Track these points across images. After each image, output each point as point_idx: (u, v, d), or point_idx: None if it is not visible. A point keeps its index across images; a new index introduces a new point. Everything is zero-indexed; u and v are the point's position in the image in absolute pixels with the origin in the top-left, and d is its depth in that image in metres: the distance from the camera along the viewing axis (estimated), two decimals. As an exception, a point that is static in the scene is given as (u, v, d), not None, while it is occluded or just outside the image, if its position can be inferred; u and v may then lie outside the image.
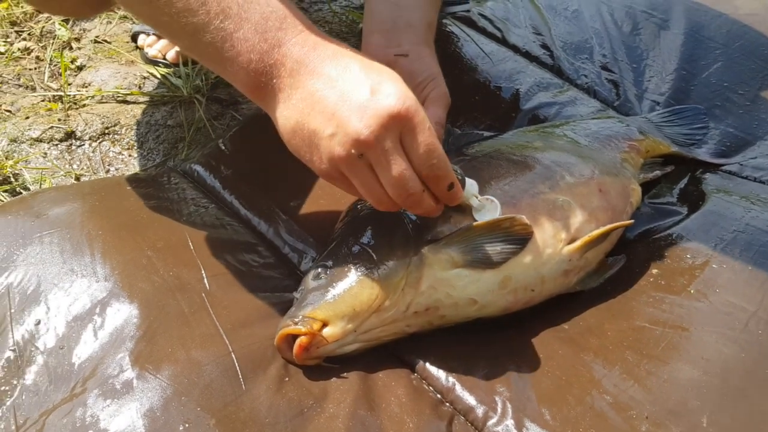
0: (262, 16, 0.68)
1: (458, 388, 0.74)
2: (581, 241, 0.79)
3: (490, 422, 0.71)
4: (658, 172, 0.97)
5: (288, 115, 0.69)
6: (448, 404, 0.73)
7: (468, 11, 1.26)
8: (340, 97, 0.66)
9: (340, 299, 0.73)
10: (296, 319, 0.72)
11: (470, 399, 0.73)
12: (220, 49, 0.69)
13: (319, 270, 0.76)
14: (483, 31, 1.21)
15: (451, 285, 0.75)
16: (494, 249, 0.75)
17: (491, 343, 0.78)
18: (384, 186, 0.69)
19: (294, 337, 0.72)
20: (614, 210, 0.84)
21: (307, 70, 0.68)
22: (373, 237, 0.77)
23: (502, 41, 1.20)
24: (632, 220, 0.87)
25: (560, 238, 0.78)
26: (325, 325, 0.72)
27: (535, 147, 0.89)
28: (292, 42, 0.68)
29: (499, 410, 0.71)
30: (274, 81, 0.69)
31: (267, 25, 0.68)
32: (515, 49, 1.19)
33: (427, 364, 0.76)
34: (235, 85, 0.72)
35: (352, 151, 0.66)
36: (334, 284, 0.74)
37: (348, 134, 0.66)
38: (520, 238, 0.76)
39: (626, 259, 0.84)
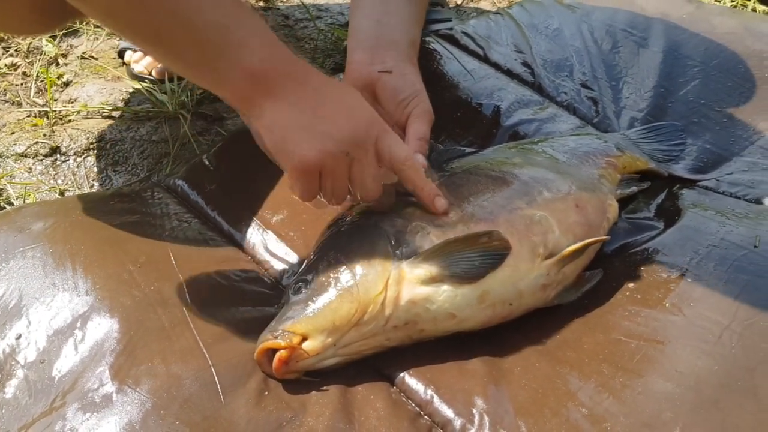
0: (264, 27, 0.76)
1: (436, 400, 0.74)
2: (559, 256, 0.80)
3: (467, 435, 0.71)
4: (635, 188, 0.99)
5: (285, 113, 0.75)
6: (426, 417, 0.74)
7: (451, 29, 1.28)
8: (336, 100, 0.77)
9: (320, 313, 0.74)
10: (276, 333, 0.73)
11: (448, 412, 0.73)
12: (216, 58, 0.74)
13: (300, 284, 0.77)
14: (465, 49, 1.23)
15: (430, 300, 0.76)
16: (472, 264, 0.76)
17: (470, 356, 0.78)
18: (357, 181, 0.78)
19: (274, 351, 0.73)
20: (591, 225, 0.85)
21: (303, 75, 0.77)
22: (353, 251, 0.78)
23: (484, 59, 1.22)
24: (608, 236, 0.88)
25: (538, 253, 0.79)
26: (304, 339, 0.73)
27: (513, 163, 0.90)
28: (291, 56, 0.77)
29: (477, 423, 0.72)
30: (273, 82, 0.75)
31: (269, 35, 0.76)
32: (497, 66, 1.20)
33: (406, 377, 0.77)
34: (222, 90, 0.78)
35: (343, 148, 0.75)
36: (314, 298, 0.75)
37: (344, 133, 0.76)
38: (498, 253, 0.77)
39: (603, 273, 0.85)
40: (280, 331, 0.73)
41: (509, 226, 0.80)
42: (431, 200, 0.81)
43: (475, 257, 0.76)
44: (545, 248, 0.80)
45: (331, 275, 0.76)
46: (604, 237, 0.86)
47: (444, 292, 0.76)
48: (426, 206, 0.81)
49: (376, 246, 0.78)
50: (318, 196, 0.80)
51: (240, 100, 0.77)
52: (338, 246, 0.80)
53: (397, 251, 0.77)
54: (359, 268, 0.76)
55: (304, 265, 0.82)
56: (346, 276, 0.76)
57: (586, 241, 0.82)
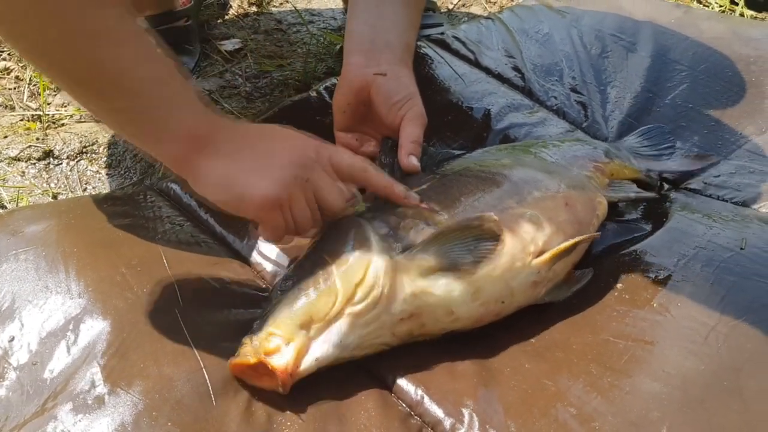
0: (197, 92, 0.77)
1: (426, 400, 0.75)
2: (549, 254, 0.81)
3: (457, 434, 0.72)
4: (632, 194, 0.98)
5: (229, 165, 0.76)
6: (416, 417, 0.75)
7: (442, 34, 1.29)
8: (279, 143, 0.79)
9: (298, 310, 0.74)
10: (255, 338, 0.73)
11: (438, 411, 0.74)
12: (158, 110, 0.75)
13: (282, 284, 0.78)
14: (456, 54, 1.24)
15: (429, 292, 0.77)
16: (467, 248, 0.77)
17: (460, 357, 0.79)
18: (322, 200, 0.80)
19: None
20: (581, 223, 0.87)
21: (240, 132, 0.78)
22: (334, 247, 0.78)
23: (475, 63, 1.23)
24: (598, 233, 0.89)
25: (529, 251, 0.80)
26: (289, 341, 0.72)
27: (503, 164, 0.91)
28: (224, 118, 0.80)
29: (466, 423, 0.73)
30: (212, 142, 0.75)
31: (203, 99, 0.77)
32: (487, 71, 1.21)
33: (397, 378, 0.77)
34: (156, 150, 0.78)
35: (302, 174, 0.77)
36: (293, 296, 0.75)
37: (297, 160, 0.78)
38: (492, 236, 0.78)
39: (593, 272, 0.86)
40: (260, 336, 0.72)
41: (501, 225, 0.80)
42: (402, 195, 0.83)
43: (470, 241, 0.78)
44: (536, 246, 0.81)
45: (311, 272, 0.76)
46: (594, 234, 0.87)
47: (441, 285, 0.77)
48: (400, 203, 0.83)
49: (356, 237, 0.79)
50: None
51: (174, 161, 0.77)
52: (321, 246, 0.81)
53: (393, 244, 0.78)
54: (337, 260, 0.76)
55: (291, 267, 0.83)
56: (324, 270, 0.76)
57: (577, 238, 0.83)
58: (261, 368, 0.71)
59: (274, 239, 0.81)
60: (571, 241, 0.82)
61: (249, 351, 0.72)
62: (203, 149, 0.75)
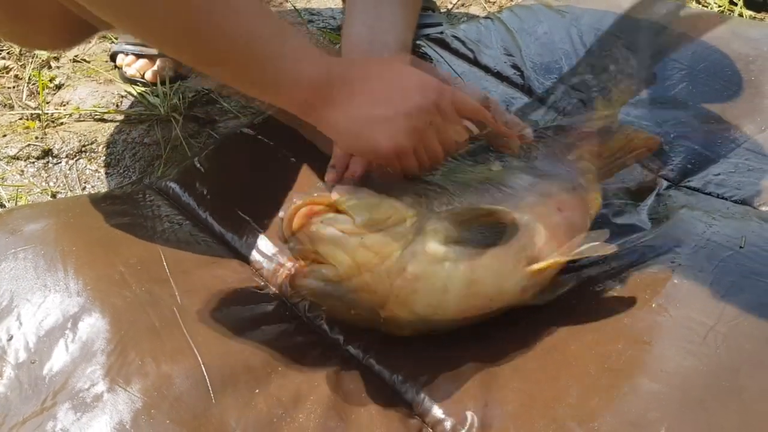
0: (312, 45, 0.79)
1: (427, 400, 0.75)
2: (545, 264, 0.80)
3: (457, 434, 0.72)
4: (627, 161, 0.98)
5: (351, 116, 0.77)
6: (417, 417, 0.75)
7: (441, 33, 1.29)
8: (397, 86, 0.79)
9: (365, 200, 0.77)
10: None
11: (438, 412, 0.74)
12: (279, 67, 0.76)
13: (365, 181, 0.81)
14: (456, 53, 1.24)
15: (436, 260, 0.77)
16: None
17: (461, 357, 0.79)
18: (447, 142, 0.82)
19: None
20: (573, 226, 0.86)
21: (358, 76, 0.79)
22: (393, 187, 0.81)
23: (474, 62, 1.23)
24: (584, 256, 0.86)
25: (524, 256, 0.80)
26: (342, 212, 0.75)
27: (492, 170, 0.90)
28: (340, 60, 0.83)
29: (467, 423, 0.73)
30: (332, 92, 0.77)
31: (319, 50, 0.78)
32: (487, 69, 1.21)
33: (398, 377, 0.77)
34: (280, 100, 0.80)
35: (425, 119, 0.79)
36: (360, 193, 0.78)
37: (419, 106, 0.78)
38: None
39: (577, 278, 0.85)
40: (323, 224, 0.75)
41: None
42: (519, 132, 0.88)
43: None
44: (531, 252, 0.80)
45: (375, 190, 0.79)
46: (603, 251, 0.84)
47: (450, 259, 0.77)
48: (513, 143, 0.88)
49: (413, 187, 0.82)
50: None
51: (301, 109, 0.79)
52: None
53: (429, 201, 0.81)
54: (398, 195, 0.79)
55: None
56: (384, 194, 0.79)
57: (575, 254, 0.82)
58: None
59: (409, 175, 0.83)
60: (566, 258, 0.81)
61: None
62: (326, 98, 0.76)
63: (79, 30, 0.98)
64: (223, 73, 0.80)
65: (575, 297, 0.84)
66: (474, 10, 1.62)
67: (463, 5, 1.63)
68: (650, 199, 1.01)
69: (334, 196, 0.76)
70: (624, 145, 0.99)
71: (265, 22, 0.76)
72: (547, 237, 0.82)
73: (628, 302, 0.83)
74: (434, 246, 0.77)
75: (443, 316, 0.78)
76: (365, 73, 0.80)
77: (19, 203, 1.12)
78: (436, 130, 0.81)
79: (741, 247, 0.89)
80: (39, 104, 1.30)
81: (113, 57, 1.37)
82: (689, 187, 1.04)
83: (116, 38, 1.38)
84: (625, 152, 0.99)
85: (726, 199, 1.02)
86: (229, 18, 0.72)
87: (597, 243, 0.82)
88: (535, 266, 0.80)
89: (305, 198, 0.76)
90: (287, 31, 0.77)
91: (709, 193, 1.03)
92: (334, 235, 0.74)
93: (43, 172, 1.19)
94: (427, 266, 0.76)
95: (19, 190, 1.14)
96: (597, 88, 1.03)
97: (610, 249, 0.82)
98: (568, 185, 0.90)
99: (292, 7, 1.55)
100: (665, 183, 1.05)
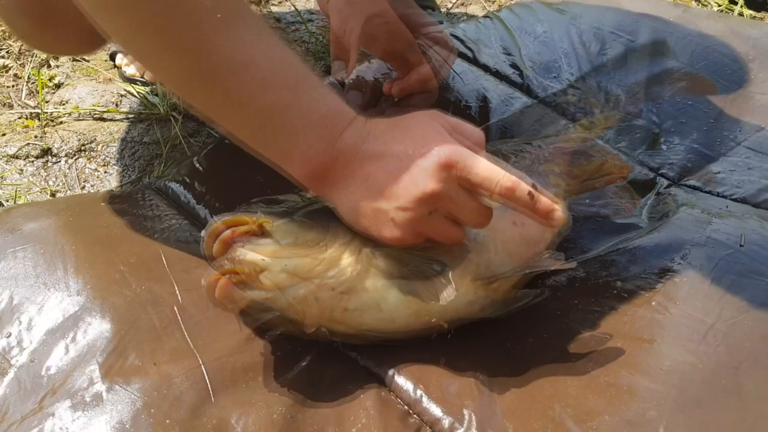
0: (320, 113, 0.71)
1: (425, 400, 0.75)
2: (490, 281, 0.78)
3: (455, 433, 0.72)
4: (598, 184, 0.94)
5: (350, 201, 0.72)
6: (415, 416, 0.75)
7: (441, 32, 1.28)
8: (393, 173, 0.70)
9: (287, 246, 0.72)
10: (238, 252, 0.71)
11: (437, 411, 0.74)
12: (279, 140, 0.71)
13: (286, 216, 0.76)
14: (455, 51, 1.24)
15: (370, 280, 0.74)
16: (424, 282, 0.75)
17: (458, 356, 0.79)
18: (464, 222, 0.74)
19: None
20: (528, 242, 0.83)
21: (358, 157, 0.71)
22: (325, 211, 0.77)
23: (473, 61, 1.22)
24: (544, 267, 0.81)
25: (469, 271, 0.78)
26: (263, 270, 0.71)
27: None
28: (346, 134, 0.71)
29: (465, 422, 0.73)
30: (331, 174, 0.71)
31: (325, 121, 0.71)
32: (486, 68, 1.21)
33: (396, 377, 0.77)
34: (288, 170, 0.73)
35: (423, 211, 0.71)
36: (285, 235, 0.73)
37: (414, 199, 0.70)
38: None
39: (537, 294, 0.82)
40: (244, 249, 0.71)
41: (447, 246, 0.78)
42: (546, 214, 0.73)
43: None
44: (478, 267, 0.79)
45: (309, 215, 0.75)
46: (536, 269, 0.81)
47: (381, 282, 0.75)
48: (534, 218, 0.75)
49: None
50: None
51: (302, 181, 0.74)
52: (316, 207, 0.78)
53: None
54: (334, 221, 0.75)
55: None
56: (320, 219, 0.75)
57: (524, 270, 0.80)
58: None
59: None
60: (517, 273, 0.79)
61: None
62: (324, 178, 0.72)
63: (99, 36, 0.97)
64: (223, 121, 0.75)
65: (575, 294, 0.84)
66: (473, 9, 1.62)
67: (462, 4, 1.63)
68: (650, 198, 1.01)
69: (260, 217, 0.72)
70: (597, 169, 0.95)
71: (276, 89, 0.70)
72: (496, 251, 0.80)
73: (628, 300, 0.83)
74: (367, 268, 0.74)
75: (385, 332, 0.77)
76: (369, 149, 0.71)
77: (19, 202, 1.12)
78: (447, 212, 0.73)
79: (741, 246, 0.89)
80: (38, 103, 1.30)
81: (113, 56, 1.38)
82: (689, 186, 1.04)
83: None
84: (597, 176, 0.95)
85: (726, 197, 1.02)
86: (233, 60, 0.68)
87: (547, 259, 0.78)
88: (482, 281, 0.78)
89: (227, 219, 0.72)
90: (297, 92, 0.71)
91: (709, 192, 1.03)
92: (255, 259, 0.71)
93: (42, 171, 1.19)
94: (359, 288, 0.74)
95: (18, 189, 1.14)
96: (582, 110, 1.01)
97: (567, 265, 0.77)
98: None
99: (292, 7, 1.55)
100: (665, 181, 1.05)
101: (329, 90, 0.73)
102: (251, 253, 0.71)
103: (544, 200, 0.72)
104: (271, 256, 0.71)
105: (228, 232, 0.71)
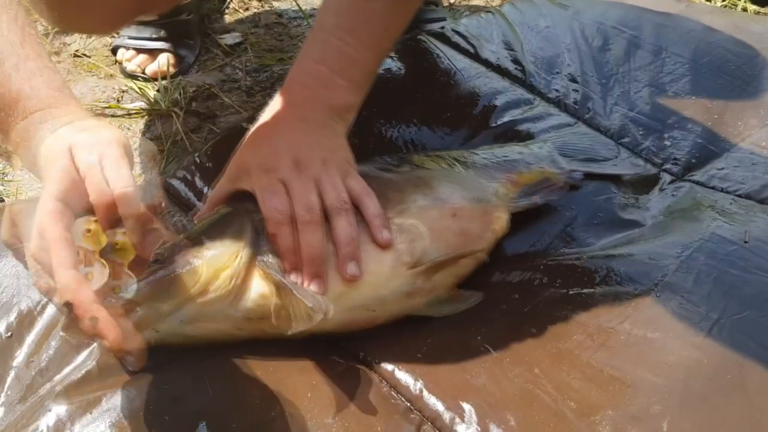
0: None
1: (425, 395, 0.74)
2: (422, 267, 0.79)
3: (457, 428, 0.72)
4: (537, 199, 0.94)
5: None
6: (416, 411, 0.74)
7: (442, 28, 1.28)
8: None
9: (158, 282, 0.71)
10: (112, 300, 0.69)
11: (437, 406, 0.74)
12: None
13: (153, 258, 0.73)
14: (456, 47, 1.23)
15: (282, 296, 0.73)
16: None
17: (459, 350, 0.79)
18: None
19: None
20: (468, 235, 0.84)
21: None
22: (213, 229, 0.76)
23: (475, 56, 1.22)
24: (481, 250, 0.85)
25: (403, 261, 0.79)
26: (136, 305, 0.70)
27: (399, 172, 0.89)
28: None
29: (466, 417, 0.72)
30: None
31: None
32: (487, 64, 1.21)
33: (396, 372, 0.77)
34: None
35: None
36: (158, 270, 0.72)
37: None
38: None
39: (483, 297, 0.84)
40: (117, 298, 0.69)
41: (371, 236, 0.79)
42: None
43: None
44: (412, 256, 0.79)
45: (183, 249, 0.74)
46: (475, 250, 0.84)
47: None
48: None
49: (234, 225, 0.76)
50: None
51: None
52: (203, 226, 0.78)
53: (258, 241, 0.76)
54: (210, 243, 0.74)
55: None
56: (195, 249, 0.73)
57: (455, 254, 0.81)
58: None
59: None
60: (446, 257, 0.80)
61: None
62: None
63: (127, 10, 0.95)
64: None
65: (576, 287, 0.84)
66: (476, 2, 1.61)
67: None
68: (654, 194, 1.01)
69: (122, 302, 0.68)
70: (536, 177, 0.96)
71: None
72: (432, 241, 0.81)
73: (632, 294, 0.83)
74: (268, 287, 0.74)
75: (324, 329, 0.76)
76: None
77: (20, 198, 1.12)
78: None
79: (745, 242, 0.89)
80: (39, 100, 1.29)
81: (114, 51, 1.37)
82: (693, 182, 1.04)
83: (117, 32, 1.38)
84: (537, 187, 0.95)
85: (730, 193, 1.01)
86: None
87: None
88: (416, 269, 0.79)
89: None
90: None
91: (713, 188, 1.02)
92: (153, 336, 0.71)
93: (43, 167, 1.18)
94: (273, 303, 0.73)
95: (20, 185, 1.14)
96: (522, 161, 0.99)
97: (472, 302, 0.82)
98: (473, 196, 0.88)
99: (294, 2, 1.54)
100: (669, 177, 1.04)
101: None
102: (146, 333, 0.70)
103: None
104: (162, 316, 0.71)
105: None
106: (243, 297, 0.74)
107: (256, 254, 0.75)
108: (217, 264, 0.73)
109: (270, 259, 0.76)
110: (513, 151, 1.00)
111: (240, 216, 0.79)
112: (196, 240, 0.75)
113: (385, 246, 0.78)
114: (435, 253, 0.80)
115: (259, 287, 0.74)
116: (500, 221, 0.89)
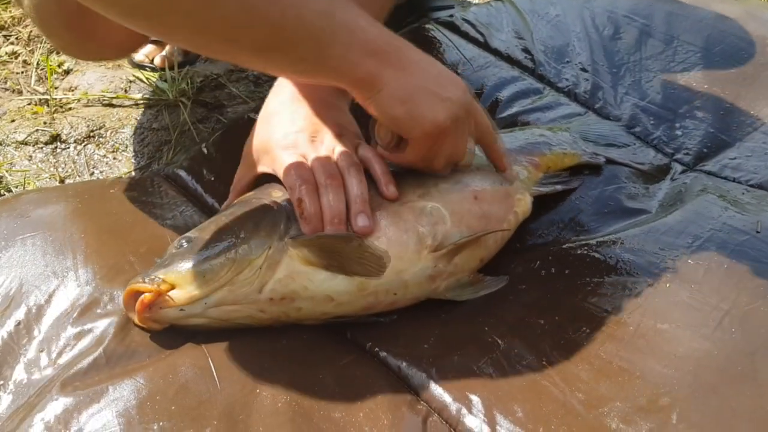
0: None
1: (432, 386, 0.74)
2: (445, 249, 0.79)
3: (464, 419, 0.71)
4: (558, 187, 0.95)
5: (405, 83, 0.76)
6: (423, 402, 0.74)
7: (451, 16, 1.27)
8: (444, 74, 0.79)
9: (193, 266, 0.73)
10: (146, 278, 0.73)
11: (444, 397, 0.73)
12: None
13: (183, 240, 0.77)
14: (465, 36, 1.22)
15: (309, 279, 0.75)
16: (349, 264, 0.75)
17: (467, 341, 0.78)
18: (461, 145, 0.82)
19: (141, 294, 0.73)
20: (489, 218, 0.84)
21: (410, 54, 0.78)
22: (245, 218, 0.78)
23: (484, 45, 1.21)
24: (507, 228, 0.86)
25: (426, 244, 0.78)
26: (173, 287, 0.73)
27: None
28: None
29: (473, 408, 0.72)
30: (386, 57, 0.75)
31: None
32: (497, 53, 1.20)
33: (403, 363, 0.76)
34: (339, 76, 0.76)
35: (461, 113, 0.79)
36: (191, 252, 0.75)
37: (460, 99, 0.78)
38: (373, 265, 0.76)
39: (508, 280, 0.84)
40: (151, 276, 0.73)
41: (396, 219, 0.79)
42: (501, 161, 0.88)
43: (351, 261, 0.75)
44: (434, 239, 0.79)
45: (215, 235, 0.76)
46: (499, 228, 0.84)
47: (322, 274, 0.75)
48: (498, 166, 0.88)
49: (268, 216, 0.78)
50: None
51: (361, 80, 0.75)
52: (233, 213, 0.80)
53: (286, 225, 0.77)
54: (244, 233, 0.76)
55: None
56: (228, 237, 0.75)
57: (477, 234, 0.81)
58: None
59: (422, 164, 0.82)
60: (468, 238, 0.80)
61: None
62: (382, 62, 0.74)
63: (139, 37, 0.98)
64: (264, 58, 0.75)
65: (585, 277, 0.83)
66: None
67: (474, -12, 1.61)
68: (665, 183, 1.00)
69: (157, 281, 0.73)
70: (560, 159, 0.98)
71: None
72: (454, 224, 0.81)
73: (642, 284, 0.82)
74: (297, 266, 0.75)
75: (345, 313, 0.78)
76: (412, 49, 0.78)
77: (28, 189, 1.12)
78: (463, 131, 0.80)
79: (758, 232, 0.88)
80: (47, 89, 1.30)
81: (121, 42, 1.37)
82: (705, 171, 1.03)
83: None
84: (559, 168, 0.97)
85: (742, 183, 1.00)
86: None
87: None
88: (439, 251, 0.79)
89: (131, 287, 0.73)
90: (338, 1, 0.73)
91: (725, 177, 1.01)
92: (177, 315, 0.74)
93: (51, 157, 1.19)
94: (297, 286, 0.75)
95: (27, 175, 1.14)
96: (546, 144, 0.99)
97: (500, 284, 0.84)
98: (494, 179, 0.88)
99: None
100: (680, 167, 1.03)
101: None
102: (169, 310, 0.73)
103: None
104: (187, 303, 0.73)
105: (138, 305, 0.73)
106: (270, 280, 0.75)
107: (284, 237, 0.77)
108: (249, 255, 0.74)
109: (300, 233, 0.77)
110: (534, 133, 1.00)
111: (267, 203, 0.80)
112: (228, 230, 0.76)
113: (391, 199, 0.80)
114: (457, 236, 0.80)
115: (286, 268, 0.75)
116: (522, 204, 0.89)
